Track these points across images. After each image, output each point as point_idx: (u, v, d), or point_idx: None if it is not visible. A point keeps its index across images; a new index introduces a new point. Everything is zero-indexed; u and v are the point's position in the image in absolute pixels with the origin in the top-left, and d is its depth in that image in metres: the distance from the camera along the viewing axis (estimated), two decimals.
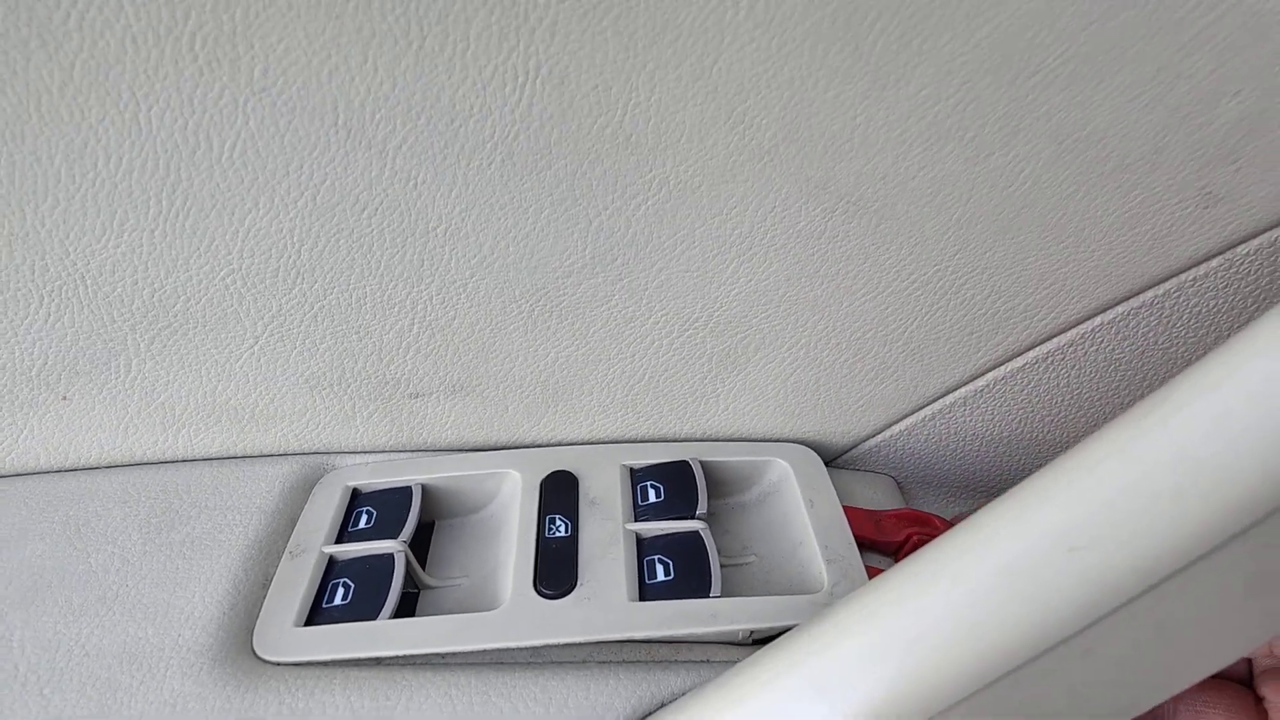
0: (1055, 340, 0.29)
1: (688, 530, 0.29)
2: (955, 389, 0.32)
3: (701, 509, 0.29)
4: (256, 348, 0.29)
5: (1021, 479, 0.38)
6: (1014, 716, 0.19)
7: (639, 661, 0.26)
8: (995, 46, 0.20)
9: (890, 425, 0.34)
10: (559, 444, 0.34)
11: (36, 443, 0.31)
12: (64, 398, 0.30)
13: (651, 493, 0.30)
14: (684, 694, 0.25)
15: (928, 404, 0.32)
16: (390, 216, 0.25)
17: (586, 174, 0.23)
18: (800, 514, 0.30)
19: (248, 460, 0.33)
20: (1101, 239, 0.25)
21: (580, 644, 0.25)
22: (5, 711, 0.23)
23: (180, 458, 0.33)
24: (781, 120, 0.22)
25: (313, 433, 0.33)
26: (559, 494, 0.30)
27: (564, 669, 0.25)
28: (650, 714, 0.25)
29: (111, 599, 0.27)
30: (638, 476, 0.32)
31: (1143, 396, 0.32)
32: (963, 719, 0.18)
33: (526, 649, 0.26)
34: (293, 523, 0.31)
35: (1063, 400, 0.32)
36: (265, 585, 0.28)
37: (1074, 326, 0.29)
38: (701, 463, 0.32)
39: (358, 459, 0.34)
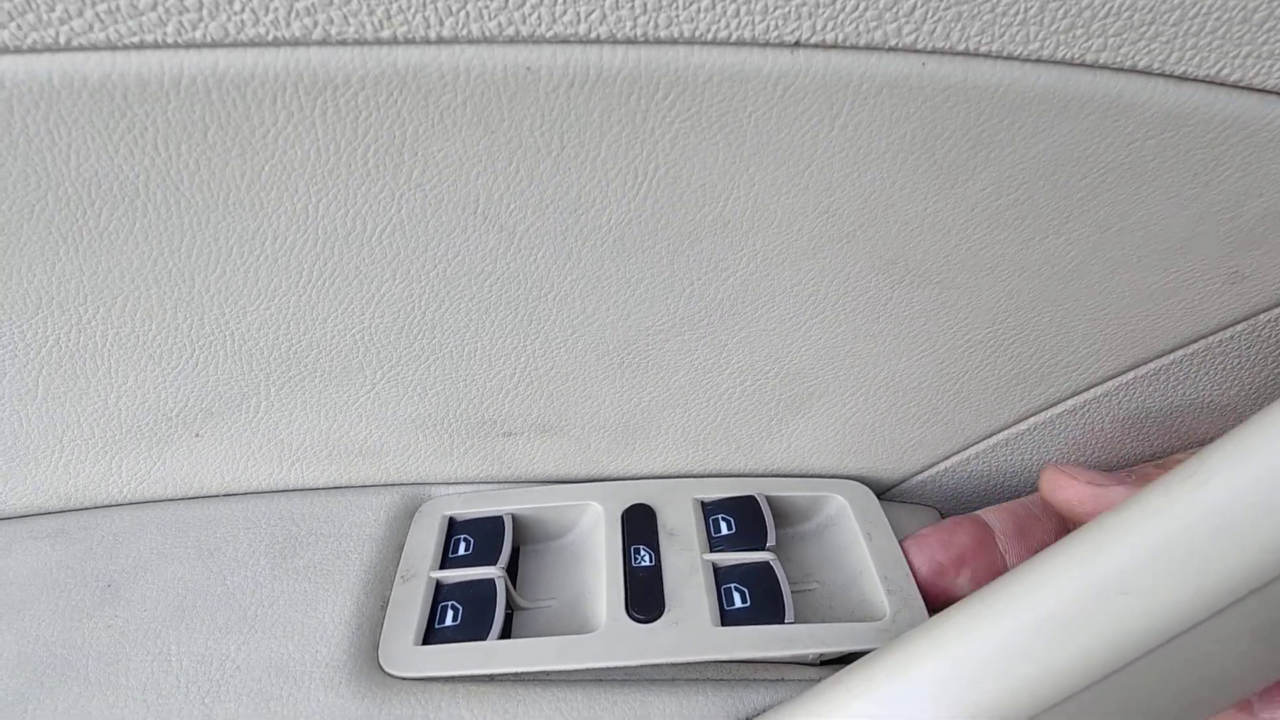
0: (1093, 390, 0.32)
1: (760, 561, 0.32)
2: (998, 432, 0.35)
3: (771, 541, 0.32)
4: (373, 392, 0.32)
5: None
6: None
7: (722, 680, 0.29)
8: (1051, 157, 0.23)
9: (936, 463, 0.37)
10: (633, 477, 0.37)
11: (166, 473, 0.35)
12: (196, 435, 0.34)
13: (723, 525, 0.34)
14: (766, 710, 0.28)
15: (972, 445, 0.35)
16: (509, 285, 0.28)
17: (685, 252, 0.27)
18: (859, 546, 0.33)
19: (353, 490, 0.36)
20: (1138, 308, 0.28)
21: (671, 664, 0.29)
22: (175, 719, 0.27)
23: (292, 487, 0.36)
24: (862, 210, 0.25)
25: (413, 465, 0.36)
26: (640, 525, 0.34)
27: (658, 686, 0.28)
28: None
29: (252, 618, 0.30)
30: (709, 509, 0.35)
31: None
32: None
33: (622, 668, 0.29)
34: (399, 549, 0.34)
35: (1097, 444, 0.35)
36: (383, 607, 0.31)
37: (1111, 379, 0.32)
38: (766, 497, 0.35)
39: (451, 489, 0.37)
